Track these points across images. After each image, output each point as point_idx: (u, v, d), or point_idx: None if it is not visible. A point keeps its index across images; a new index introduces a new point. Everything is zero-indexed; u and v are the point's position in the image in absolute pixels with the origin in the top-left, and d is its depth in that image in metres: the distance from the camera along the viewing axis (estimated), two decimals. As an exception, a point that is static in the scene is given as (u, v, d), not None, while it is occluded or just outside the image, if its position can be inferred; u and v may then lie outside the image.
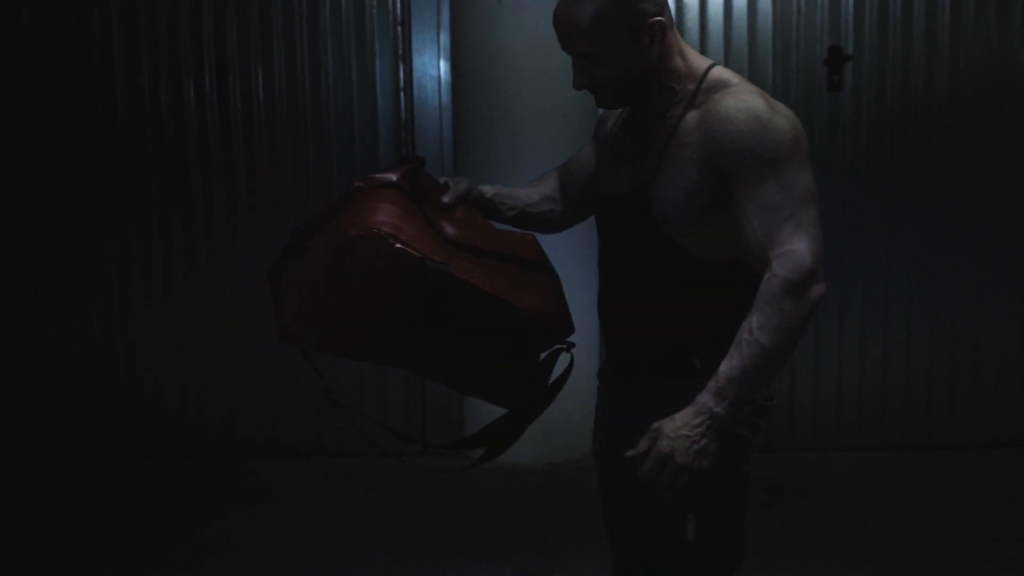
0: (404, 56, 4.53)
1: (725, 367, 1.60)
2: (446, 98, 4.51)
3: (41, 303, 4.67)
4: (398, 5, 4.52)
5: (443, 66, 4.51)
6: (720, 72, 1.77)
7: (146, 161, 4.59)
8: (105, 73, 4.54)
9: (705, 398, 1.61)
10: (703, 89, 1.75)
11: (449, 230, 1.82)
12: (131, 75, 4.54)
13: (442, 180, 1.94)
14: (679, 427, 1.60)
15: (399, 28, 4.53)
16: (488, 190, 2.00)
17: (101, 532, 3.80)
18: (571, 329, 1.87)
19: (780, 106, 1.70)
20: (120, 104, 4.55)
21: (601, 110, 1.95)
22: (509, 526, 3.79)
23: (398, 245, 1.64)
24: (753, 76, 4.43)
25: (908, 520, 3.81)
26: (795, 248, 1.60)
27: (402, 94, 4.56)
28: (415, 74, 4.53)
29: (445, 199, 1.89)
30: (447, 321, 1.71)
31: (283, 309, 1.80)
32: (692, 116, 1.73)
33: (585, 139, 2.15)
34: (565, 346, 1.90)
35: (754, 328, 1.59)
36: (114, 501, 4.16)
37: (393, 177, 1.79)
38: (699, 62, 1.79)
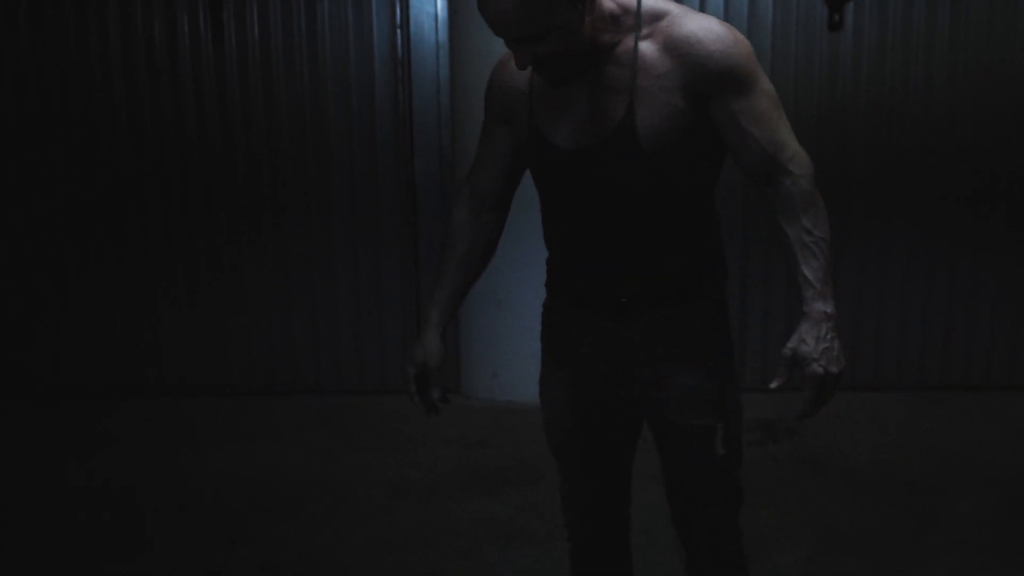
0: (401, -8, 4.47)
1: (811, 272, 1.70)
2: (443, 35, 4.45)
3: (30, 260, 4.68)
4: (394, -60, 4.45)
5: (440, 3, 4.45)
6: (649, 1, 1.77)
7: (139, 96, 4.55)
8: (99, 5, 4.48)
9: (816, 306, 1.72)
10: (644, 21, 1.75)
11: None
12: (124, 8, 4.48)
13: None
14: (815, 343, 1.74)
15: (395, -37, 4.46)
16: (441, 318, 2.08)
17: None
18: None
19: (726, 23, 1.76)
20: (112, 37, 4.50)
21: (491, 82, 2.02)
22: (506, 463, 3.83)
23: None
24: (753, 15, 4.38)
25: (900, 460, 3.85)
26: (797, 147, 1.73)
27: (398, 31, 4.50)
28: (412, 11, 4.47)
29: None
30: None
31: None
32: (648, 47, 1.73)
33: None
34: None
35: (810, 228, 1.70)
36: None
37: None
38: None
